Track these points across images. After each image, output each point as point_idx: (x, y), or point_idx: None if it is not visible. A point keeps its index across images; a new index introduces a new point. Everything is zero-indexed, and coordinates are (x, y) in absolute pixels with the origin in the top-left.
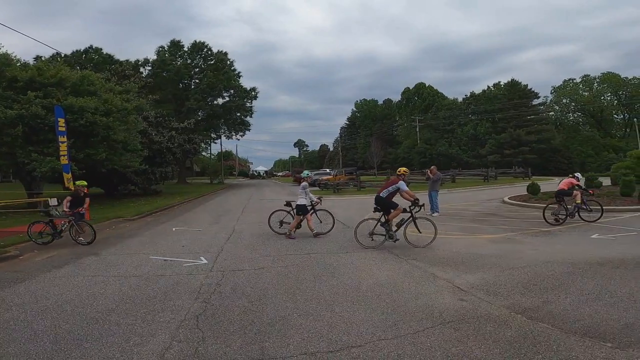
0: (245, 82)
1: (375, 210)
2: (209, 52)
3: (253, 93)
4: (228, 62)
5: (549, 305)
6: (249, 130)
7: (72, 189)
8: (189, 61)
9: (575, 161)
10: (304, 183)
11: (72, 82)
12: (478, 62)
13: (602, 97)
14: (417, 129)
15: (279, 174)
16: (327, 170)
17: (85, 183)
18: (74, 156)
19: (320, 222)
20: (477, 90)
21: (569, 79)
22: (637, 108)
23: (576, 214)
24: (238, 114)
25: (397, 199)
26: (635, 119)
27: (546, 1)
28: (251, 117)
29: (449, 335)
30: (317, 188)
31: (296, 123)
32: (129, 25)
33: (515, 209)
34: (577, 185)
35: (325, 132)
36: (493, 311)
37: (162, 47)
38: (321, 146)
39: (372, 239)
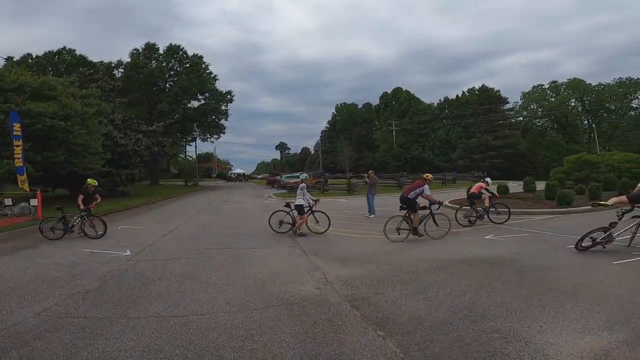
0: (230, 84)
1: (401, 208)
2: (184, 55)
3: (229, 96)
4: (203, 66)
5: (377, 297)
6: (223, 133)
7: (27, 190)
8: (164, 64)
9: (540, 165)
10: (302, 185)
11: (32, 87)
12: (461, 66)
13: (567, 103)
14: (394, 133)
15: (258, 176)
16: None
17: (96, 182)
18: (32, 158)
19: (317, 222)
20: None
21: (538, 85)
22: (601, 114)
23: (485, 216)
24: (213, 117)
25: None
26: (593, 125)
27: (526, 6)
28: (226, 120)
29: (279, 314)
30: (284, 190)
31: (281, 125)
32: (112, 24)
33: (447, 211)
34: (486, 189)
35: (310, 135)
36: (331, 298)
37: (137, 49)
38: (303, 149)
39: (399, 234)
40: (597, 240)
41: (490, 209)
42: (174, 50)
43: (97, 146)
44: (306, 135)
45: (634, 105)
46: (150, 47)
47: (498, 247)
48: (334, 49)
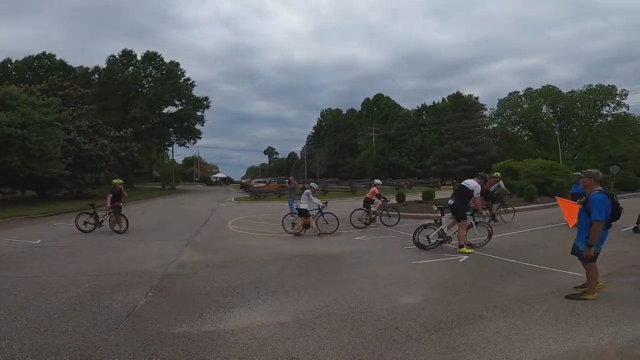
0: (222, 87)
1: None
2: (161, 62)
3: (205, 102)
4: (179, 72)
5: (189, 275)
6: (199, 138)
7: None
8: (140, 71)
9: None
10: (307, 191)
11: None
12: (452, 71)
13: (540, 110)
14: (373, 139)
15: (243, 181)
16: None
17: (121, 181)
18: None
19: (327, 223)
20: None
21: (514, 92)
22: (572, 121)
23: (378, 218)
24: (186, 123)
25: None
26: (556, 132)
27: (515, 12)
28: (202, 125)
29: (99, 281)
30: (247, 195)
31: (273, 129)
32: (101, 24)
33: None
34: (378, 194)
35: (302, 140)
36: (154, 273)
37: (114, 56)
38: (290, 154)
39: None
40: (432, 240)
41: (382, 212)
42: (151, 57)
43: (55, 151)
44: (298, 139)
45: (603, 112)
46: (128, 54)
47: (353, 245)
48: (325, 52)
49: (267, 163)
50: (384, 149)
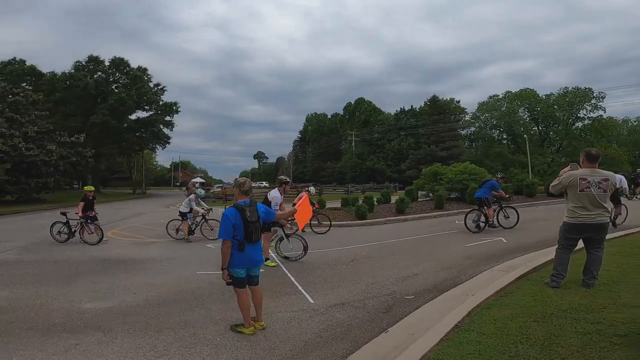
0: (217, 90)
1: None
2: (128, 68)
3: (175, 107)
4: (145, 78)
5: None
6: (168, 143)
7: None
8: (110, 78)
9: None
10: (191, 196)
11: None
12: (446, 75)
13: (517, 113)
14: (353, 144)
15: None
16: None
17: (93, 188)
18: None
19: (212, 229)
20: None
21: (493, 95)
22: (549, 124)
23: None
24: (152, 129)
25: None
26: (525, 135)
27: (508, 17)
28: (171, 130)
29: None
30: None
31: (267, 133)
32: (93, 26)
33: None
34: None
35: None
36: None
37: (79, 61)
38: (278, 158)
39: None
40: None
41: (313, 218)
42: (118, 63)
43: None
44: (291, 144)
45: (580, 115)
46: (94, 59)
47: (166, 250)
48: (319, 57)
49: (257, 167)
50: (363, 154)
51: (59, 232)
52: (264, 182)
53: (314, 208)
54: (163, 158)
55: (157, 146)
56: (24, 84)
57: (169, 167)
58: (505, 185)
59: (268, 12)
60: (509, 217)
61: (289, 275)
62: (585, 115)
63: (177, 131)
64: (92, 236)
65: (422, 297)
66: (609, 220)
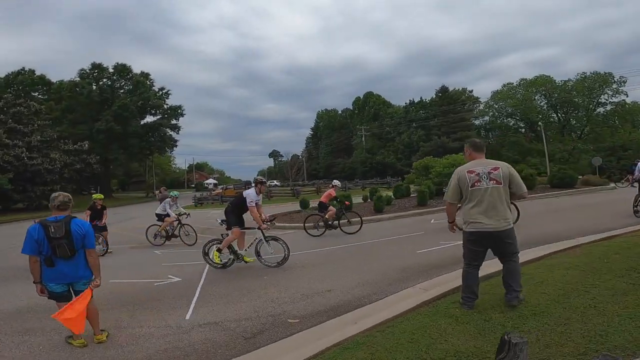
0: (232, 90)
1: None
2: (131, 74)
3: (179, 111)
4: (148, 83)
5: None
6: (175, 146)
7: None
8: (116, 84)
9: None
10: (167, 199)
11: None
12: (463, 66)
13: (533, 100)
14: (363, 139)
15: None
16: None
17: (102, 196)
18: None
19: (187, 234)
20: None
21: (508, 83)
22: (569, 111)
23: (334, 225)
24: (157, 133)
25: None
26: (540, 123)
27: (526, 5)
28: (178, 133)
29: None
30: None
31: (284, 131)
32: (106, 31)
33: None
34: (334, 198)
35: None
36: None
37: (84, 69)
38: (292, 156)
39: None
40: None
41: (342, 217)
42: (121, 69)
43: None
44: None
45: (602, 100)
46: (98, 67)
47: (112, 257)
48: (332, 53)
49: (273, 166)
50: (373, 148)
51: None
52: (274, 181)
53: (344, 205)
54: (181, 160)
55: (166, 149)
56: (36, 93)
57: (186, 169)
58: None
59: (276, 10)
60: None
61: (199, 284)
62: (606, 100)
63: (195, 132)
64: (97, 247)
65: (307, 321)
66: (511, 225)
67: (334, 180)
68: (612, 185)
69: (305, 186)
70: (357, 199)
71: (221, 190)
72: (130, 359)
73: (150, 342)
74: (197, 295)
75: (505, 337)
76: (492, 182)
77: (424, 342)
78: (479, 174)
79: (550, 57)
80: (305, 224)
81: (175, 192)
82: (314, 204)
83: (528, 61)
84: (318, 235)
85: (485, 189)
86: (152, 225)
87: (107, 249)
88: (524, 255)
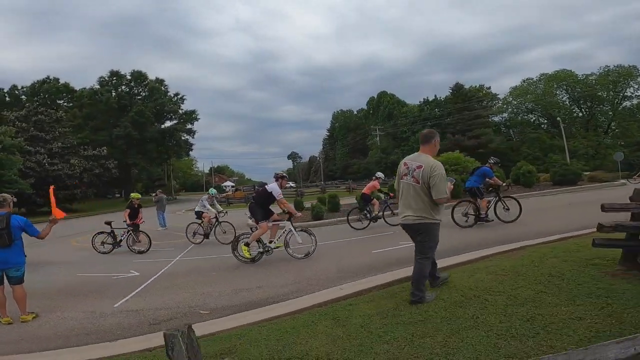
0: (251, 93)
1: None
2: (146, 80)
3: (194, 115)
4: (163, 89)
5: None
6: (191, 150)
7: None
8: (133, 90)
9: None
10: (204, 197)
11: None
12: (483, 62)
13: (554, 94)
14: (378, 138)
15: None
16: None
17: (139, 195)
18: None
19: (225, 232)
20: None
21: (527, 79)
22: (592, 105)
23: (379, 217)
24: (173, 138)
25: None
26: (558, 118)
27: None
28: (193, 137)
29: None
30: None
31: (303, 132)
32: (126, 38)
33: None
34: (379, 190)
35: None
36: None
37: (103, 77)
38: (310, 158)
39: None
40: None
41: (385, 208)
42: (137, 76)
43: (11, 175)
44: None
45: (628, 94)
46: (116, 74)
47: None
48: (348, 52)
49: (292, 168)
50: (387, 148)
51: (103, 243)
52: (290, 183)
53: (388, 197)
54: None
55: (182, 153)
56: (61, 101)
57: (206, 172)
58: (498, 173)
59: (291, 10)
60: (509, 209)
61: (151, 279)
62: (632, 94)
63: (216, 136)
64: (140, 244)
65: (218, 313)
66: (423, 221)
67: (377, 173)
68: (623, 181)
69: (309, 187)
70: None
71: (230, 192)
72: (38, 333)
73: (66, 323)
74: (140, 288)
75: (165, 331)
76: (412, 179)
77: (287, 340)
78: (408, 167)
79: (576, 51)
80: (349, 217)
81: (213, 190)
82: (307, 204)
83: (552, 55)
84: (362, 229)
85: (405, 184)
86: (191, 223)
87: (150, 246)
88: (463, 256)
